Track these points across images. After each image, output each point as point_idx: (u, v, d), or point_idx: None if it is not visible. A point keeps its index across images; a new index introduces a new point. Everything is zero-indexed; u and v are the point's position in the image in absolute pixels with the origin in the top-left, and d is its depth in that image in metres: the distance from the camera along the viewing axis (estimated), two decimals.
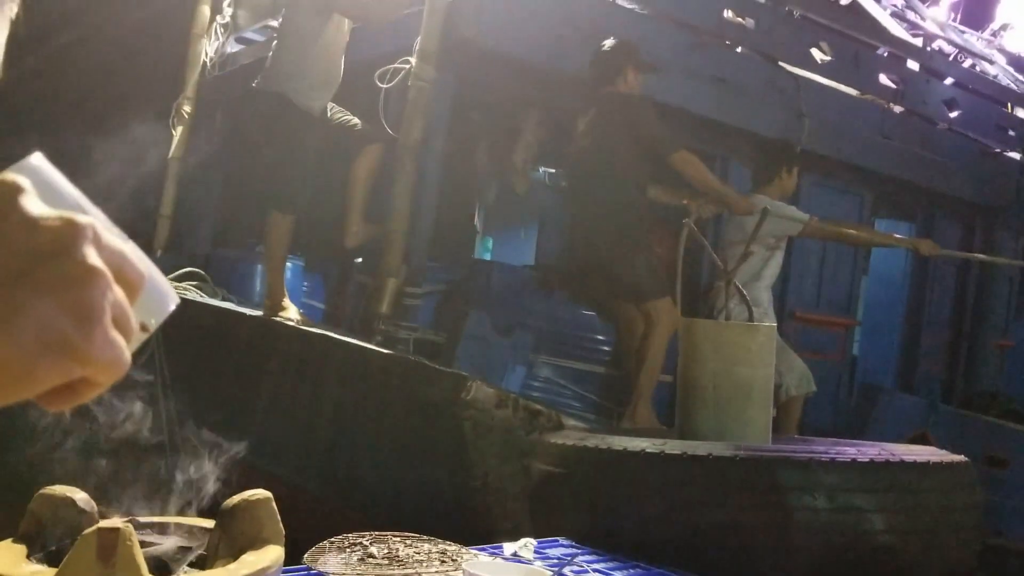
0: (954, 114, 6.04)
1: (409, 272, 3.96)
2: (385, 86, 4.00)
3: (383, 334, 3.84)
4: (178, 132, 6.46)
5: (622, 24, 4.41)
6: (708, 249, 3.36)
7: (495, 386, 3.04)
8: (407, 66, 3.96)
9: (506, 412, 2.97)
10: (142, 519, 1.70)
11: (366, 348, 3.37)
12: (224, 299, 4.98)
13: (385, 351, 3.35)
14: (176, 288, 3.08)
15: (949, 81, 6.18)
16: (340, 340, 3.45)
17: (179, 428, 3.87)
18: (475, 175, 6.04)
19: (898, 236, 5.47)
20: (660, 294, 3.74)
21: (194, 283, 5.00)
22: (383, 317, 3.86)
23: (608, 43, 4.13)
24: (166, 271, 4.58)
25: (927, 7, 7.65)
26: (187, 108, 6.43)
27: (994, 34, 8.62)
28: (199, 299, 4.55)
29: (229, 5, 6.40)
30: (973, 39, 7.86)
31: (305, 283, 6.02)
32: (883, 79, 5.67)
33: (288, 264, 6.01)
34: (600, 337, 4.08)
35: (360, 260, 4.72)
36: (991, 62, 6.94)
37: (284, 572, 1.79)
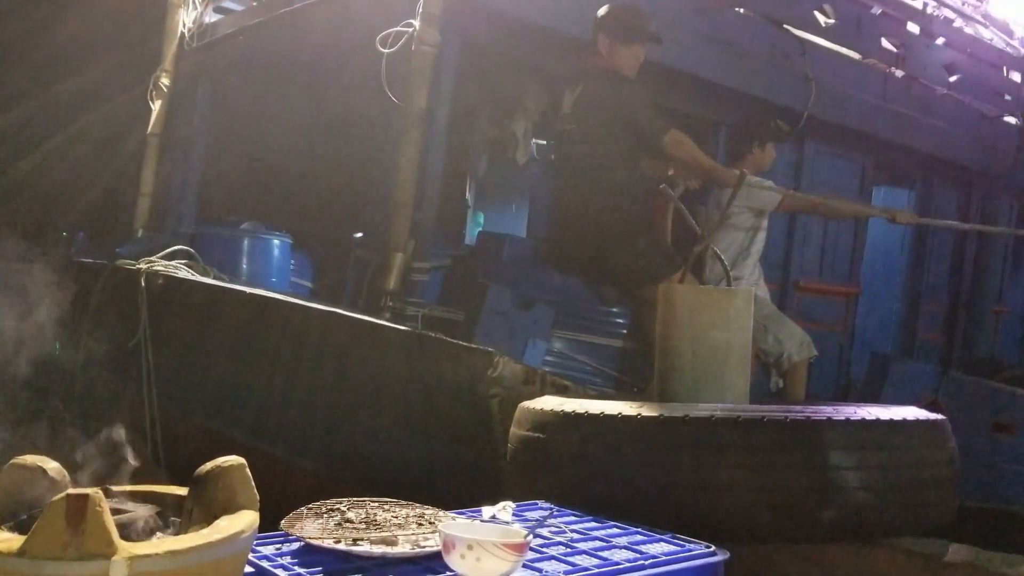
0: (954, 78, 5.98)
1: (416, 247, 3.81)
2: (387, 51, 3.82)
3: (391, 311, 3.71)
4: (157, 106, 6.23)
5: None
6: (686, 214, 3.29)
7: (521, 362, 2.93)
8: (410, 30, 3.79)
9: (533, 389, 2.87)
10: (115, 487, 1.69)
11: (386, 327, 3.24)
12: (216, 277, 4.80)
13: (407, 329, 3.22)
14: (167, 267, 2.90)
15: (941, 41, 6.11)
16: (357, 319, 3.31)
17: (185, 413, 3.73)
18: (466, 147, 5.89)
19: (875, 206, 5.41)
20: (673, 270, 3.63)
21: (184, 261, 4.80)
22: (391, 293, 3.72)
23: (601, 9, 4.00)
24: (150, 251, 4.40)
25: None
26: (165, 81, 6.19)
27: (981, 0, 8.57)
28: (194, 278, 4.36)
29: None
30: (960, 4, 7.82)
31: (292, 261, 5.86)
32: (884, 43, 5.59)
33: (276, 242, 5.88)
34: (615, 310, 3.97)
35: (360, 235, 4.56)
36: (986, 26, 6.89)
37: (261, 538, 1.80)
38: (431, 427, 2.99)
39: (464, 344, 2.92)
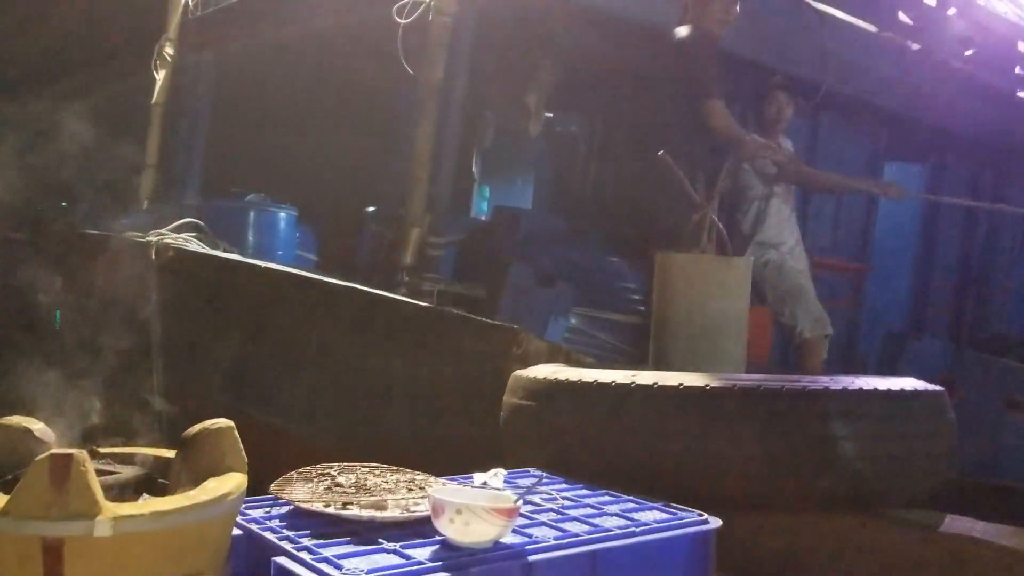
0: (968, 52, 5.91)
1: (432, 221, 3.76)
2: (404, 21, 3.75)
3: (408, 286, 3.67)
4: (161, 76, 6.13)
5: None
6: (684, 182, 3.24)
7: (546, 340, 2.90)
8: (427, 0, 3.72)
9: None
10: (102, 449, 1.69)
11: (408, 303, 3.20)
12: (226, 250, 4.74)
13: (430, 306, 3.19)
14: (176, 240, 2.87)
15: (952, 12, 6.03)
16: (377, 295, 3.27)
17: (207, 391, 3.68)
18: (474, 120, 5.82)
19: (868, 180, 5.39)
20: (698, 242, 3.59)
21: (193, 234, 4.74)
22: (407, 268, 3.68)
23: None
24: (155, 224, 4.34)
25: None
26: (169, 51, 6.09)
27: None
28: (207, 252, 4.30)
29: None
30: None
31: (297, 233, 5.82)
32: (901, 16, 5.53)
33: (282, 214, 5.82)
34: (632, 286, 3.94)
35: (373, 209, 4.51)
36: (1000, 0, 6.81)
37: (251, 501, 1.80)
38: (454, 404, 2.96)
39: (489, 321, 2.90)
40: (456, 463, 2.62)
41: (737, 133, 4.11)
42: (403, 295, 3.55)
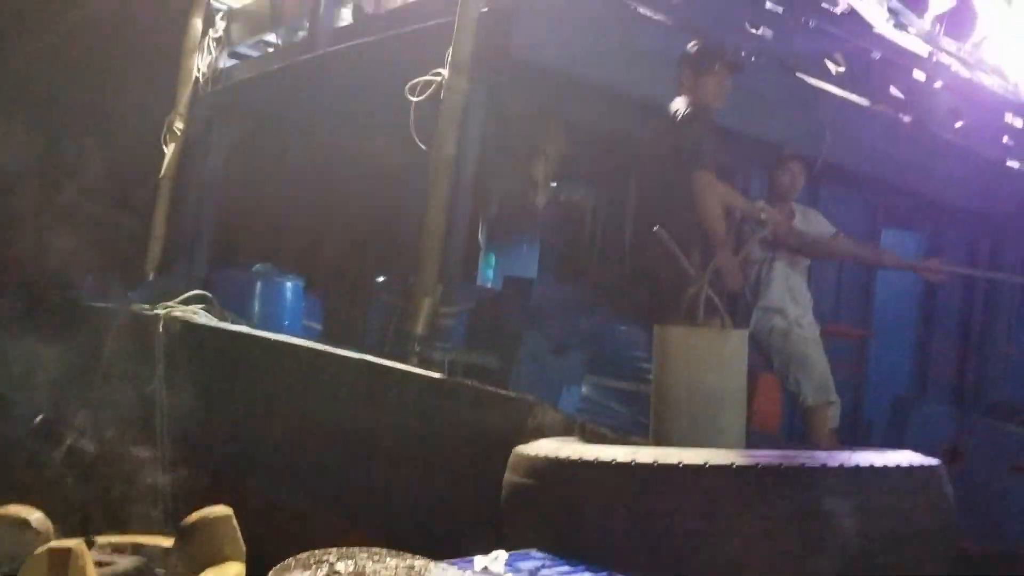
0: (958, 124, 6.07)
1: (444, 291, 3.82)
2: (416, 99, 3.86)
3: (419, 356, 3.70)
4: (170, 150, 6.26)
5: (649, 35, 4.35)
6: (680, 257, 3.28)
7: (562, 411, 2.91)
8: (439, 78, 3.84)
9: None
10: (99, 538, 1.68)
11: (419, 374, 3.22)
12: (234, 322, 4.77)
13: (442, 377, 3.21)
14: (184, 312, 2.92)
15: (939, 85, 6.20)
16: (386, 366, 3.29)
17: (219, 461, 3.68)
18: (480, 190, 5.92)
19: (873, 248, 5.40)
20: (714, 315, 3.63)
21: (201, 306, 4.78)
22: (419, 338, 3.72)
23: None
24: (163, 295, 4.36)
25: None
26: (179, 125, 6.23)
27: (976, 46, 8.72)
28: (216, 324, 4.33)
29: (222, 19, 6.23)
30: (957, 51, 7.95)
31: (303, 303, 5.85)
32: (893, 91, 5.70)
33: (288, 284, 5.86)
34: (642, 354, 3.97)
35: (383, 279, 4.56)
36: (986, 72, 7.01)
37: None
38: (466, 480, 2.96)
39: (504, 392, 2.91)
40: (469, 540, 2.62)
41: (716, 228, 4.05)
42: (414, 365, 3.57)
